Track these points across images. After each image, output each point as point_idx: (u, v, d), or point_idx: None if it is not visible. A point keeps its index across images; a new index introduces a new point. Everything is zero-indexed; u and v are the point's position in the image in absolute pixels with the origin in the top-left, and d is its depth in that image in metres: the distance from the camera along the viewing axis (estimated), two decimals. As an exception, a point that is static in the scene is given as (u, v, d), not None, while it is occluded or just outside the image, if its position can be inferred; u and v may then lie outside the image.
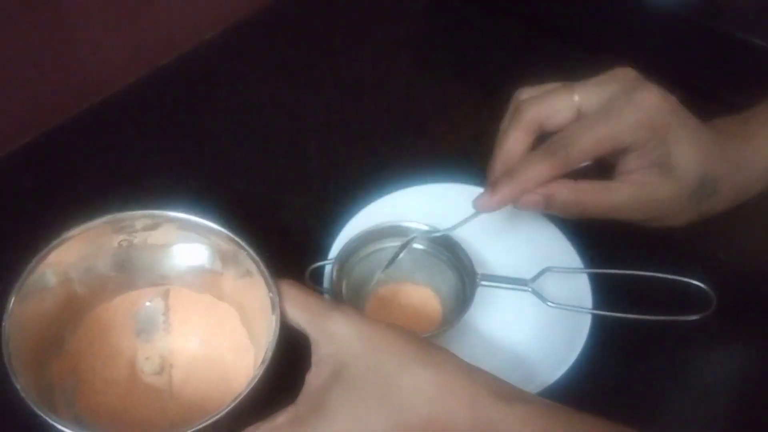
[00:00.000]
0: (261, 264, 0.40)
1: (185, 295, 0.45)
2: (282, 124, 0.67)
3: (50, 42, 0.61)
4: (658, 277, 0.45)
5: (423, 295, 0.49)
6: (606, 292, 0.47)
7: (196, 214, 0.42)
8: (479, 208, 0.41)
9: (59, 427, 0.34)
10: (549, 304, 0.45)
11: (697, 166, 0.40)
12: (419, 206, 0.51)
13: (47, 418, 0.34)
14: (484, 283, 0.46)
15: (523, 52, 0.73)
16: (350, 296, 0.47)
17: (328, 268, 0.47)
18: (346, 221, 0.51)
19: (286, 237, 0.53)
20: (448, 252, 0.48)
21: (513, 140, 0.41)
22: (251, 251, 0.41)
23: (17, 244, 0.53)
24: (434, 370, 0.33)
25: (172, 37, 0.73)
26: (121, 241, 0.43)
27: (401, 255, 0.47)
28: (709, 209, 0.42)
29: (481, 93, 0.69)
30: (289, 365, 0.37)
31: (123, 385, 0.43)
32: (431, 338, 0.43)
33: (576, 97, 0.40)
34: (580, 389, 0.46)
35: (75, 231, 0.41)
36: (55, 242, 0.40)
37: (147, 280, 0.45)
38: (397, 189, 0.53)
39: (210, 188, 0.59)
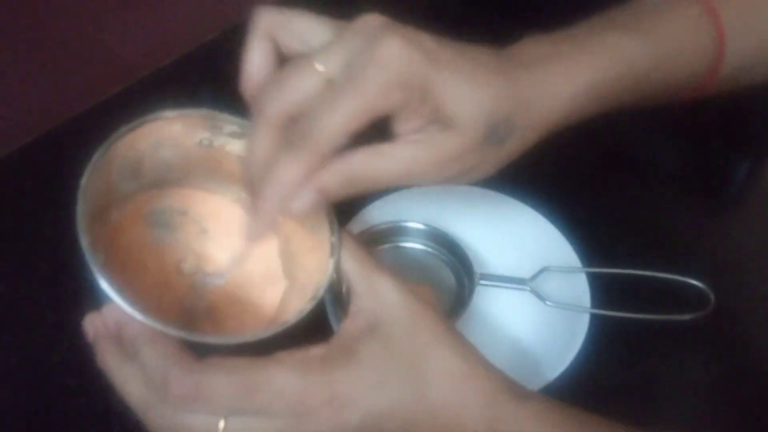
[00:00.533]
0: (330, 207, 0.38)
1: (232, 209, 0.44)
2: (282, 125, 0.67)
3: (50, 43, 0.61)
4: (657, 277, 0.45)
5: (421, 293, 0.49)
6: (604, 291, 0.47)
7: None
8: (252, 239, 0.39)
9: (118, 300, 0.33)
10: (547, 303, 0.45)
11: (479, 110, 0.34)
12: (419, 206, 0.51)
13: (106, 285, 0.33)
14: (483, 282, 0.46)
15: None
16: (349, 295, 0.47)
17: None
18: (346, 221, 0.51)
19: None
20: (448, 251, 0.48)
21: (262, 148, 0.34)
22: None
23: (17, 243, 0.53)
24: (462, 357, 0.33)
25: (173, 39, 0.73)
26: (202, 139, 0.42)
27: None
28: (514, 148, 0.37)
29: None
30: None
31: (154, 273, 0.42)
32: None
33: (319, 67, 0.33)
34: (579, 388, 0.46)
35: (172, 113, 0.41)
36: (149, 117, 0.40)
37: (203, 183, 0.44)
38: (396, 189, 0.53)
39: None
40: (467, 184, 0.37)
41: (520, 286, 0.47)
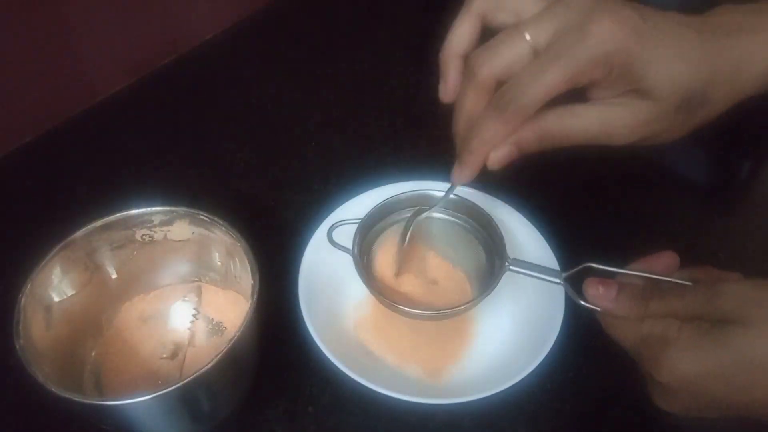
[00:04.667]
0: (250, 253, 0.42)
1: (214, 291, 0.48)
2: (282, 124, 0.67)
3: (51, 42, 0.61)
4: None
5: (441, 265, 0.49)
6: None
7: (204, 210, 0.44)
8: (455, 182, 0.41)
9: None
10: (581, 303, 0.40)
11: (678, 82, 0.36)
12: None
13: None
14: (513, 268, 0.43)
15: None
16: (371, 259, 0.47)
17: (345, 228, 0.47)
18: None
19: (287, 236, 0.53)
20: (483, 229, 0.47)
21: (470, 104, 0.38)
22: (244, 243, 0.42)
23: (17, 243, 0.53)
24: None
25: (172, 38, 0.73)
26: (143, 235, 0.45)
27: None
28: (703, 118, 0.38)
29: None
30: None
31: (142, 365, 0.45)
32: (452, 313, 0.43)
33: (528, 37, 0.36)
34: (580, 387, 0.46)
35: (98, 223, 0.43)
36: (80, 232, 0.43)
37: (176, 275, 0.48)
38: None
39: (210, 188, 0.59)
40: (642, 145, 0.38)
41: (553, 279, 0.42)
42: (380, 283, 0.47)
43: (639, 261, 0.40)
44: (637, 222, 0.57)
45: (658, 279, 0.38)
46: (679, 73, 0.35)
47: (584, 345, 0.47)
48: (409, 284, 0.48)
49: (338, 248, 0.47)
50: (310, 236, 0.50)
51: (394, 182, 0.53)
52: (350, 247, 0.46)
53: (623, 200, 0.59)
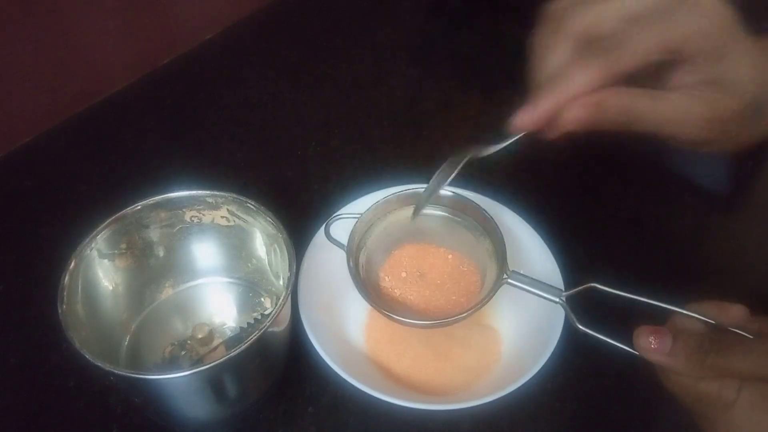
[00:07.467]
0: (290, 245, 0.42)
1: (251, 285, 0.50)
2: (282, 124, 0.67)
3: (51, 42, 0.61)
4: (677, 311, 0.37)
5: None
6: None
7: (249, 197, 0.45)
8: (520, 125, 0.37)
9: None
10: (579, 326, 0.38)
11: (753, 82, 0.35)
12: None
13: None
14: (511, 281, 0.41)
15: (523, 52, 0.73)
16: (368, 257, 0.47)
17: (341, 222, 0.47)
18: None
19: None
20: (487, 236, 0.45)
21: (557, 52, 0.37)
22: (286, 235, 0.43)
23: (17, 243, 0.53)
24: None
25: (172, 38, 0.73)
26: (191, 216, 0.46)
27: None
28: (764, 129, 0.38)
29: (481, 93, 0.69)
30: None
31: (178, 345, 0.46)
32: (444, 323, 0.42)
33: (626, 2, 0.36)
34: (580, 387, 0.46)
35: (157, 198, 0.44)
36: (129, 208, 0.43)
37: (218, 263, 0.49)
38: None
39: (209, 188, 0.59)
40: (710, 149, 0.38)
41: (553, 298, 0.40)
42: (376, 286, 0.46)
43: (705, 304, 0.35)
44: (638, 221, 0.57)
45: (710, 323, 0.34)
46: (754, 74, 0.35)
47: (584, 345, 0.47)
48: (407, 287, 0.47)
49: (334, 243, 0.46)
50: (310, 237, 0.50)
51: (394, 183, 0.53)
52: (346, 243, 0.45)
53: (623, 200, 0.59)
